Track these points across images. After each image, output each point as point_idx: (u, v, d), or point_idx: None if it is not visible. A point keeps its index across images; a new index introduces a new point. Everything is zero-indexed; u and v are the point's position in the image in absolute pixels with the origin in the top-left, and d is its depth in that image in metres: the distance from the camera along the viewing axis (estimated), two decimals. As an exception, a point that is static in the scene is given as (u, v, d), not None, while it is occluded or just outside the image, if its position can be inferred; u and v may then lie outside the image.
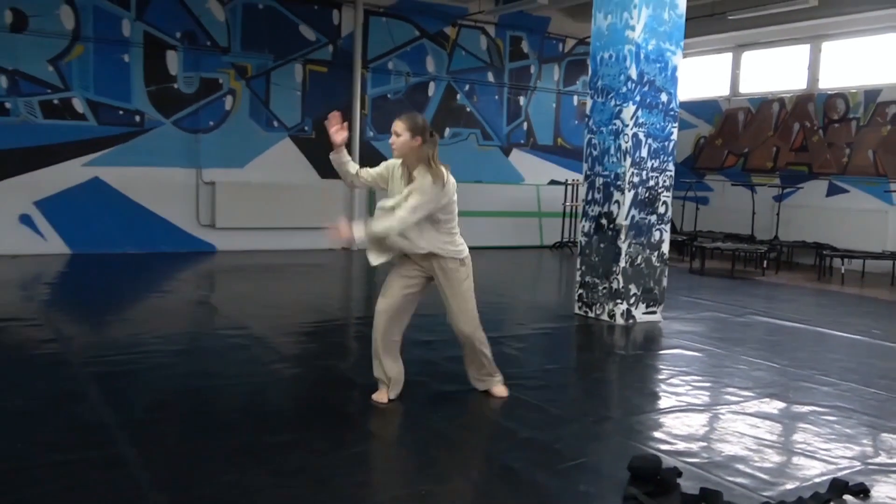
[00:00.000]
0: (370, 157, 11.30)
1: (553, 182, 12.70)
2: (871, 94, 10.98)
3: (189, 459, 3.30)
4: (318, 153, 10.91)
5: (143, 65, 9.73)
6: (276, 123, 10.65)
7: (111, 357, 4.92)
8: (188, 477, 3.11)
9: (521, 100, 12.59)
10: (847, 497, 3.12)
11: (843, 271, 10.17)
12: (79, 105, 9.42)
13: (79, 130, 9.45)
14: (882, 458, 3.64)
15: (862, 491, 3.18)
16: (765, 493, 3.14)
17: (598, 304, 6.75)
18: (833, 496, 3.11)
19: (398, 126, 4.01)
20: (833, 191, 11.43)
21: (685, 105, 13.24)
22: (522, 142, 12.66)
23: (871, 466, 3.51)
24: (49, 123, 9.27)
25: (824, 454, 3.65)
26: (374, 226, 3.95)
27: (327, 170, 11.08)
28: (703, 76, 13.57)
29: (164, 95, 9.89)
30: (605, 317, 6.69)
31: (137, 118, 9.77)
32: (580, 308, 6.96)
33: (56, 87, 9.27)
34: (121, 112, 9.66)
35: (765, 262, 10.66)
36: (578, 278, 6.98)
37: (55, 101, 9.29)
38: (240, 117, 10.40)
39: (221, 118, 10.29)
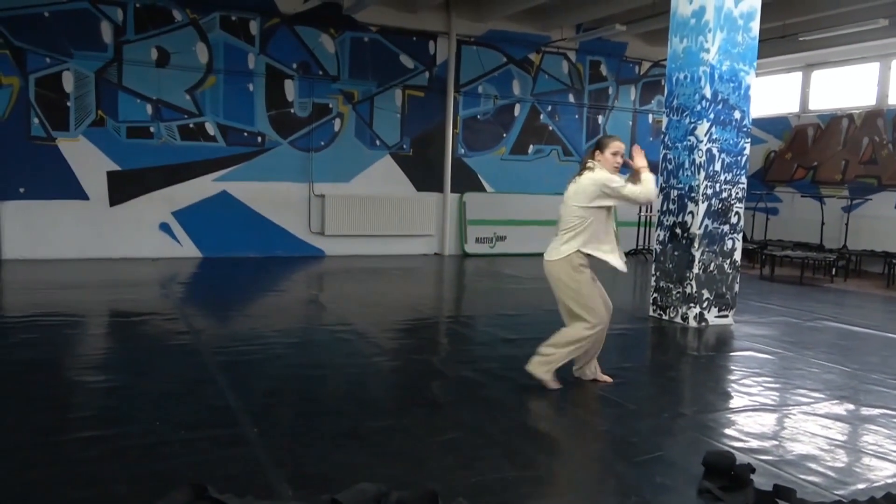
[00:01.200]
0: (461, 171, 11.35)
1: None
2: (942, 109, 10.31)
3: (302, 440, 3.36)
4: (415, 168, 11.06)
5: (264, 92, 10.06)
6: (378, 142, 10.81)
7: (235, 347, 5.08)
8: (301, 456, 3.17)
9: (600, 118, 12.38)
10: (921, 498, 2.91)
11: (912, 279, 9.56)
12: (210, 128, 9.81)
13: (210, 150, 9.84)
14: (956, 462, 3.38)
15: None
16: (837, 492, 2.96)
17: (672, 308, 6.55)
18: None
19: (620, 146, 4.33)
20: (902, 202, 10.77)
21: (756, 122, 12.74)
22: (600, 157, 12.40)
23: (945, 469, 3.27)
24: (185, 144, 9.69)
25: (891, 455, 3.41)
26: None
27: (422, 183, 11.28)
28: (773, 94, 13.03)
29: (282, 119, 10.19)
30: (678, 319, 6.49)
31: (259, 139, 10.09)
32: (654, 311, 6.77)
33: (192, 113, 9.69)
34: (245, 134, 10.00)
35: (833, 269, 10.13)
36: (653, 283, 6.79)
37: (191, 125, 9.70)
38: (346, 137, 10.60)
39: (331, 138, 10.51)
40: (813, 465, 3.25)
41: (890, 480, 3.10)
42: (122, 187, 9.45)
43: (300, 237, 10.45)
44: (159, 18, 9.37)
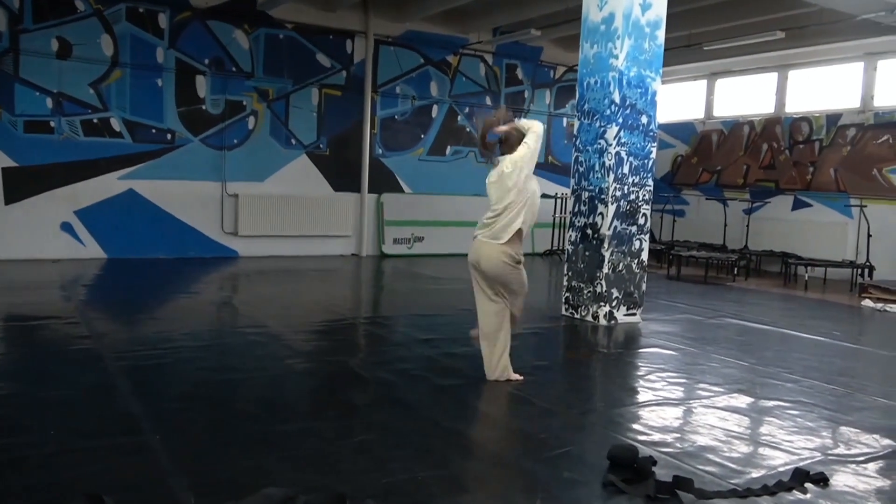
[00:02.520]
0: (379, 171, 11.31)
1: (544, 195, 12.60)
2: (833, 119, 10.97)
3: (210, 446, 3.28)
4: (332, 168, 10.94)
5: (174, 88, 9.74)
6: (294, 141, 10.64)
7: (140, 352, 4.90)
8: (208, 462, 3.09)
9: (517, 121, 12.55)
10: (808, 485, 3.09)
11: (806, 278, 10.13)
12: (116, 124, 9.41)
13: (116, 147, 9.44)
14: (841, 450, 3.60)
15: (822, 480, 3.14)
16: (732, 481, 3.11)
17: (584, 307, 6.72)
18: (795, 484, 3.07)
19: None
20: (798, 205, 11.40)
21: (664, 127, 13.25)
22: (517, 159, 12.61)
23: (830, 457, 3.48)
24: (89, 140, 9.27)
25: (788, 445, 3.61)
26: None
27: (339, 183, 11.16)
28: (680, 101, 13.56)
29: (193, 116, 9.89)
30: (589, 318, 6.67)
31: (169, 136, 9.76)
32: (567, 310, 6.93)
33: (96, 108, 9.28)
34: (154, 131, 9.66)
35: (735, 269, 10.62)
36: (565, 283, 6.96)
37: (95, 121, 9.29)
38: (261, 136, 10.39)
39: (245, 136, 10.28)
40: (711, 456, 3.40)
41: (782, 469, 3.28)
42: (20, 185, 8.95)
43: (213, 238, 10.17)
44: (60, 7, 8.93)
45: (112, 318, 6.33)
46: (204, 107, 9.96)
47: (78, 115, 9.18)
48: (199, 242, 10.05)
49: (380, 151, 11.34)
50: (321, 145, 10.84)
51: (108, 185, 9.42)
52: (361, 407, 4.02)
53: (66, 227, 9.26)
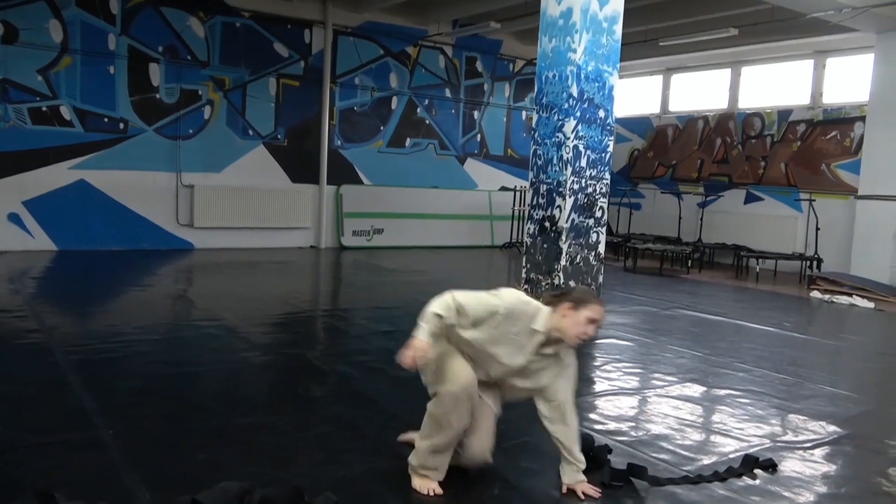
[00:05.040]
0: (338, 163, 11.22)
1: (503, 188, 12.74)
2: (784, 114, 11.24)
3: (164, 440, 3.22)
4: (290, 159, 10.83)
5: (127, 76, 9.51)
6: (251, 132, 10.50)
7: (92, 346, 4.79)
8: (162, 456, 3.04)
9: (476, 114, 12.61)
10: (757, 471, 3.18)
11: (758, 270, 10.39)
12: (66, 112, 9.17)
13: (66, 136, 9.20)
14: (789, 437, 3.71)
15: (770, 465, 3.23)
16: (685, 468, 3.18)
17: (541, 298, 6.77)
18: (745, 470, 3.16)
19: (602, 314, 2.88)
20: (750, 199, 11.66)
21: (621, 121, 13.42)
22: (476, 152, 12.68)
23: (779, 444, 3.58)
24: (38, 129, 9.01)
25: (738, 433, 3.71)
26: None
27: (298, 175, 11.05)
28: (637, 96, 13.75)
29: (146, 105, 9.69)
30: (547, 310, 6.72)
31: (121, 125, 9.54)
32: (526, 302, 6.97)
33: (45, 96, 9.02)
34: (106, 119, 9.43)
35: (689, 261, 10.83)
36: (524, 275, 7.00)
37: (43, 109, 9.03)
38: (217, 126, 10.23)
39: (200, 126, 10.10)
40: (664, 444, 3.47)
41: (732, 455, 3.36)
42: (-37, 174, 8.68)
43: (167, 229, 9.99)
44: (6, -9, 8.67)
45: (62, 311, 6.17)
46: (158, 95, 9.76)
47: (25, 102, 8.91)
48: (154, 234, 9.87)
49: (339, 143, 11.26)
50: (279, 136, 10.72)
51: (58, 175, 9.18)
52: (319, 400, 4.00)
53: (14, 219, 9.00)
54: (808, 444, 3.59)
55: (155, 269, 8.59)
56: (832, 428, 3.86)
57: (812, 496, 3.00)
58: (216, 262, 9.22)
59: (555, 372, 2.93)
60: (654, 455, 3.31)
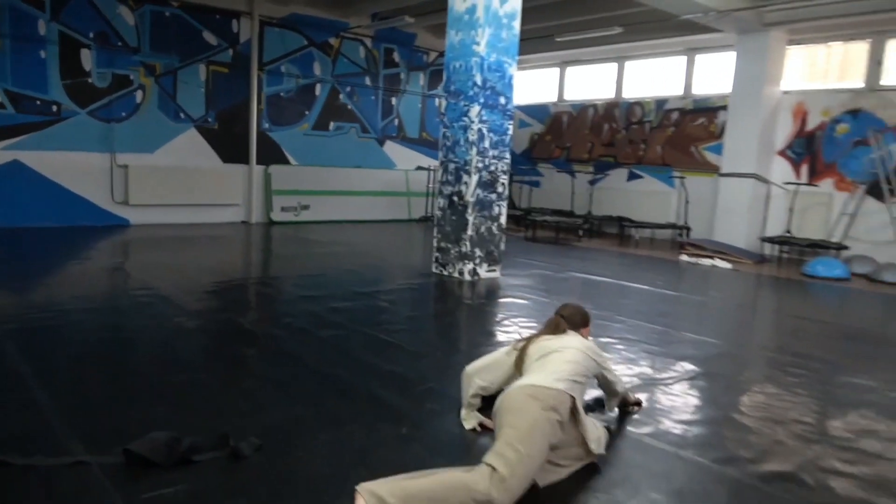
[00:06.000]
0: (266, 144, 10.94)
1: (419, 168, 12.74)
2: (661, 103, 11.64)
3: (98, 400, 3.12)
4: (220, 141, 10.48)
5: (58, 60, 8.94)
6: (182, 115, 10.08)
7: (29, 315, 4.56)
8: (96, 414, 2.95)
9: (394, 100, 12.50)
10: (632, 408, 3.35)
11: (637, 238, 10.81)
12: (-3, 95, 8.56)
13: (-2, 117, 8.60)
14: (655, 375, 3.93)
15: (637, 403, 3.40)
16: (568, 405, 3.31)
17: (451, 265, 6.87)
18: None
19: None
20: (632, 177, 12.07)
21: (523, 108, 13.59)
22: (394, 135, 12.60)
23: (646, 381, 3.79)
24: (-32, 111, 8.39)
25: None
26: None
27: (228, 156, 10.71)
28: (537, 86, 13.93)
29: (79, 88, 9.14)
30: (455, 274, 6.82)
31: (54, 108, 8.98)
32: (437, 268, 7.06)
33: (-26, 78, 8.38)
34: (38, 102, 8.85)
35: (580, 231, 11.16)
36: (435, 244, 7.07)
37: (-26, 91, 8.40)
38: (150, 109, 9.77)
39: (133, 110, 9.63)
40: (552, 386, 3.61)
41: (597, 394, 3.52)
42: None
43: (103, 207, 9.51)
44: (-69, -25, 7.97)
45: (-2, 284, 5.82)
46: (90, 80, 9.22)
47: (-45, 84, 8.26)
48: (90, 211, 9.39)
49: (266, 126, 10.96)
50: (209, 119, 10.34)
51: (-10, 156, 8.58)
52: (247, 359, 3.95)
53: (-53, 197, 8.39)
54: (671, 381, 3.81)
55: (92, 244, 8.19)
56: (690, 367, 4.11)
57: (672, 423, 3.20)
58: (151, 237, 8.87)
59: None
60: (542, 395, 3.44)
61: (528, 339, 3.02)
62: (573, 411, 2.56)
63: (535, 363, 2.80)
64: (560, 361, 2.74)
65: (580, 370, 2.76)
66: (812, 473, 2.73)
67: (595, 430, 2.70)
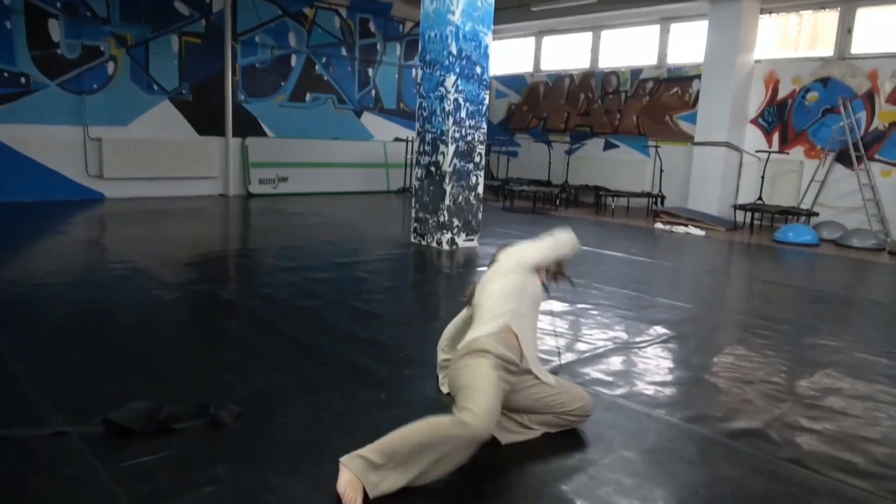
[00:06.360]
0: (242, 116, 10.76)
1: (397, 139, 12.62)
2: (636, 73, 11.62)
3: (76, 372, 3.09)
4: (195, 114, 10.27)
5: (25, 31, 8.65)
6: (155, 87, 9.84)
7: (4, 290, 4.47)
8: (74, 386, 2.92)
9: (370, 71, 12.33)
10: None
11: (613, 207, 10.87)
12: (-37, 67, 8.28)
13: (-36, 90, 8.33)
14: (629, 339, 3.98)
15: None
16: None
17: (429, 234, 6.86)
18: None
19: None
20: (608, 146, 12.09)
21: (500, 79, 13.49)
22: (372, 106, 12.44)
23: (618, 344, 3.84)
24: (-67, 83, 8.11)
25: (587, 338, 3.95)
26: None
27: (204, 128, 10.51)
28: (513, 56, 13.81)
29: (48, 60, 8.87)
30: (434, 244, 6.82)
31: (23, 80, 8.71)
32: (415, 238, 7.05)
33: (-62, 50, 8.09)
34: (6, 74, 8.58)
35: (557, 200, 11.19)
36: (413, 214, 7.05)
37: (-62, 63, 8.11)
38: (122, 81, 9.52)
39: (105, 81, 9.38)
40: (528, 351, 3.65)
41: (572, 358, 3.57)
42: None
43: (77, 181, 9.31)
44: None
45: (-29, 259, 5.70)
46: (59, 51, 8.95)
47: (-82, 56, 7.97)
48: (64, 186, 9.19)
49: (242, 98, 10.76)
50: (184, 91, 10.11)
51: (-42, 130, 8.33)
52: (226, 329, 3.92)
53: (-85, 172, 8.14)
54: (644, 345, 3.87)
55: (67, 218, 8.03)
56: (662, 330, 4.17)
57: (644, 385, 3.25)
58: (128, 210, 8.72)
59: None
60: (519, 360, 3.47)
61: (474, 286, 2.84)
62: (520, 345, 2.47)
63: (478, 311, 2.63)
64: (488, 298, 2.61)
65: (510, 288, 2.62)
66: (778, 430, 2.80)
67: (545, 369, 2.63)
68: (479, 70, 6.65)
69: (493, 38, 6.88)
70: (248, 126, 10.85)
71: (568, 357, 3.58)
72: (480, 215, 7.03)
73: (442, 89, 6.54)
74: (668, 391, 3.20)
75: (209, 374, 3.12)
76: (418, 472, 2.11)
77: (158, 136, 9.85)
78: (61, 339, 3.57)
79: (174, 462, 2.29)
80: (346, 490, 2.05)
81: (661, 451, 2.56)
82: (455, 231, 6.77)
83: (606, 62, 12.20)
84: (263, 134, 11.07)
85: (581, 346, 3.79)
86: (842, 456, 2.59)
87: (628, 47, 11.90)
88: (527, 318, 2.62)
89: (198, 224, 8.36)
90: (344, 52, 11.87)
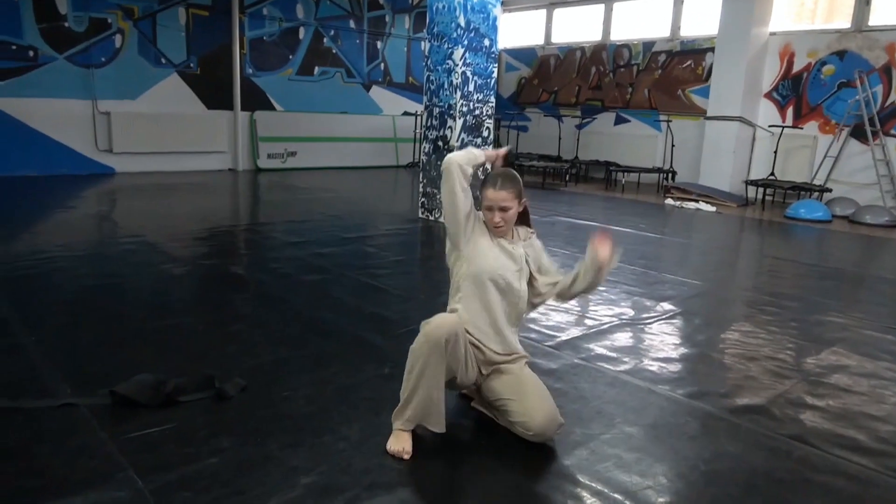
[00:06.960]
0: (251, 90, 10.71)
1: (406, 113, 12.53)
2: (648, 46, 11.43)
3: (84, 345, 3.13)
4: (204, 87, 10.24)
5: (31, 4, 8.61)
6: (163, 60, 9.81)
7: (14, 263, 4.52)
8: (82, 358, 2.96)
9: (379, 44, 12.21)
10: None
11: (623, 182, 10.78)
12: (-29, 40, 8.27)
13: (-27, 64, 8.33)
14: (635, 315, 3.97)
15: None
16: (547, 344, 3.37)
17: (437, 210, 6.84)
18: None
19: (506, 198, 2.46)
20: (619, 121, 11.95)
21: (510, 52, 13.32)
22: (380, 80, 12.34)
23: (624, 321, 3.84)
24: (-58, 57, 8.12)
25: (593, 314, 3.94)
26: None
27: (212, 102, 10.48)
28: (524, 29, 13.61)
29: (55, 33, 8.84)
30: (442, 220, 6.79)
31: (31, 53, 8.71)
32: (423, 213, 7.03)
33: (-54, 23, 8.08)
34: (14, 47, 8.57)
35: (567, 176, 11.11)
36: (421, 189, 7.02)
37: (-53, 36, 8.11)
38: (130, 54, 9.49)
39: (113, 55, 9.35)
40: (532, 325, 3.65)
41: (588, 332, 3.57)
42: None
43: (87, 155, 9.34)
44: None
45: (-17, 233, 5.75)
46: (66, 24, 8.92)
47: (-73, 29, 7.97)
48: (73, 160, 9.22)
49: (250, 71, 10.70)
50: (191, 64, 10.07)
51: (-32, 103, 8.36)
52: (233, 303, 3.95)
53: (-73, 146, 8.19)
54: (650, 321, 3.86)
55: (76, 192, 8.07)
56: (668, 307, 4.16)
57: (649, 361, 3.25)
58: (137, 185, 8.75)
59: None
60: (523, 335, 3.47)
61: None
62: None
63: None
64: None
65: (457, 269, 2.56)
66: (781, 406, 2.80)
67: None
68: (487, 43, 6.57)
69: (504, 11, 6.77)
70: (256, 100, 10.81)
71: (573, 332, 3.58)
72: (488, 190, 6.98)
73: (450, 62, 6.47)
74: (673, 367, 3.19)
75: (216, 348, 3.15)
76: (409, 391, 2.26)
77: (167, 109, 9.84)
78: (70, 312, 3.61)
79: (179, 434, 2.32)
80: (390, 446, 2.24)
81: (662, 427, 2.57)
82: (463, 206, 6.73)
83: (618, 35, 12.00)
84: (272, 108, 11.03)
85: (585, 324, 3.78)
86: (845, 433, 2.59)
87: (641, 19, 11.69)
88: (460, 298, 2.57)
89: (207, 199, 8.38)
90: (352, 24, 11.75)
